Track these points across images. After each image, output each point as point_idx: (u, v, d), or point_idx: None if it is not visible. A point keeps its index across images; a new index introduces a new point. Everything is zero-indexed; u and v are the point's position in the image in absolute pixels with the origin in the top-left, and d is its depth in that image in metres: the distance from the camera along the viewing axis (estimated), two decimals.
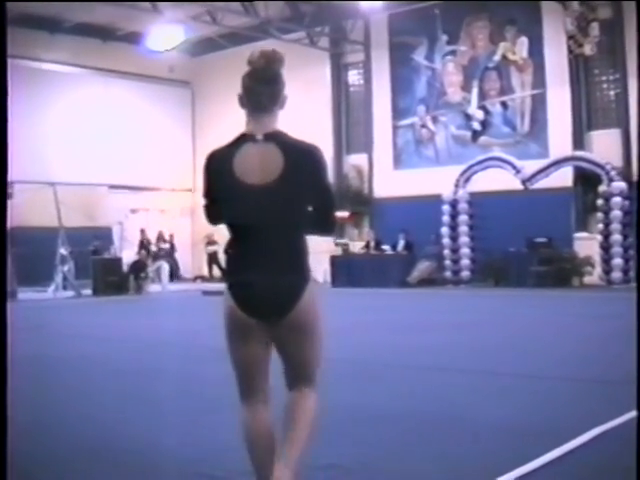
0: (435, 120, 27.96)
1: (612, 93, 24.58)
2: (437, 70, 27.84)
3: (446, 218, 24.58)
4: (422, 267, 24.90)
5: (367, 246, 26.44)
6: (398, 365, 9.13)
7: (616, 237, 21.87)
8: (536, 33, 25.54)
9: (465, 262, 24.43)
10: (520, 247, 23.03)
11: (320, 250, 26.64)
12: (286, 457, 3.56)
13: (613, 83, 24.44)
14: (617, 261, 21.87)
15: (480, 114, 26.84)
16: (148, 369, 9.16)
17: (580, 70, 24.55)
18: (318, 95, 29.91)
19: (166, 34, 26.90)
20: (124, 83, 31.33)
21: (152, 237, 29.80)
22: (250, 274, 3.54)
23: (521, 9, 25.68)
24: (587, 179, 23.46)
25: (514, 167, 23.63)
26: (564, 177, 23.81)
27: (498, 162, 24.13)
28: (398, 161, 28.81)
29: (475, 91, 26.97)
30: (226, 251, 3.71)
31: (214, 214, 3.76)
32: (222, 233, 3.78)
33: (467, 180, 24.51)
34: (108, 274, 24.22)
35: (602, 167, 22.34)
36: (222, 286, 3.80)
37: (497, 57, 26.54)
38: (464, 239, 24.45)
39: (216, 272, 27.94)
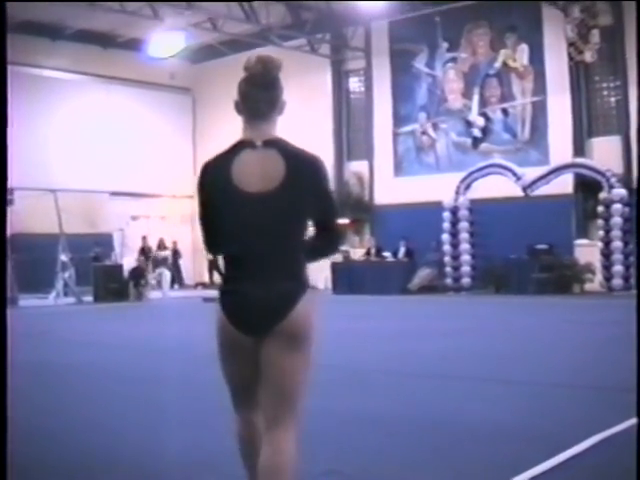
0: (436, 127, 27.98)
1: (612, 100, 24.60)
2: (438, 77, 27.86)
3: (447, 225, 24.58)
4: (423, 274, 24.89)
5: (368, 253, 26.43)
6: (397, 372, 9.13)
7: (617, 244, 21.87)
8: (537, 40, 25.57)
9: (466, 269, 24.42)
10: (521, 254, 23.03)
11: None
12: None
13: (613, 90, 24.46)
14: (618, 268, 21.86)
15: (481, 121, 26.86)
16: (149, 375, 9.16)
17: (580, 77, 24.57)
18: (319, 102, 29.95)
19: (167, 41, 26.91)
20: (125, 90, 31.36)
21: (153, 244, 29.79)
22: (245, 285, 3.39)
23: (521, 16, 25.72)
24: (587, 186, 23.45)
25: (515, 174, 23.63)
26: (564, 184, 23.82)
27: (499, 169, 24.14)
28: (399, 168, 28.81)
29: (476, 98, 26.99)
30: (212, 265, 3.60)
31: (212, 241, 3.59)
32: None
33: (468, 187, 24.51)
34: (109, 281, 24.22)
35: (602, 174, 22.34)
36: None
37: (498, 64, 26.56)
38: (465, 246, 24.44)
39: (217, 278, 27.88)
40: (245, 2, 26.37)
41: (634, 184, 21.65)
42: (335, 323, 15.86)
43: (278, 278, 3.38)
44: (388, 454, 5.37)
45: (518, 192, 23.63)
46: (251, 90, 3.48)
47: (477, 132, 26.95)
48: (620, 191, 21.99)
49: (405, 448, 5.56)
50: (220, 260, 3.56)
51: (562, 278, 22.54)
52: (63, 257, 23.91)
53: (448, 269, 24.60)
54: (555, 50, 24.82)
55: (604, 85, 24.78)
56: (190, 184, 31.47)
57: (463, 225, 24.45)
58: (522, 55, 26.00)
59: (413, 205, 26.42)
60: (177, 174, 31.69)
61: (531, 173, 23.50)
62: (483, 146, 26.74)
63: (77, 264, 24.02)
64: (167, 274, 27.54)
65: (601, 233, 22.37)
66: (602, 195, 22.32)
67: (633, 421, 5.24)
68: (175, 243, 30.81)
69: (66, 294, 23.94)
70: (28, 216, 25.78)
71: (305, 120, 26.70)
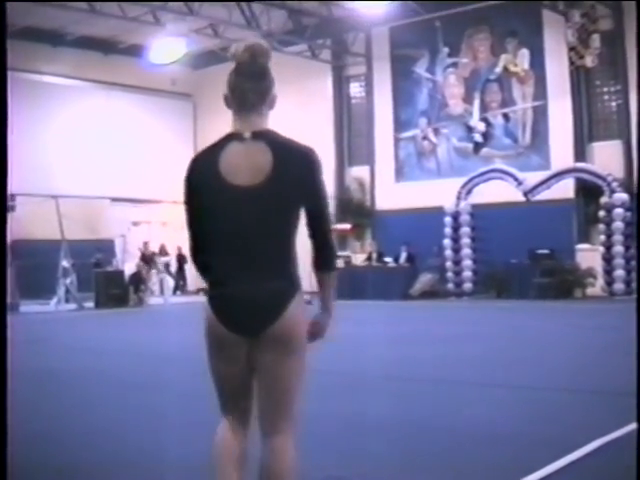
0: (437, 132, 27.98)
1: (613, 104, 24.61)
2: (438, 82, 27.88)
3: (448, 230, 24.58)
4: (424, 279, 24.87)
5: (369, 258, 26.40)
6: (399, 377, 9.12)
7: (618, 248, 21.86)
8: (537, 45, 25.58)
9: (467, 274, 24.42)
10: (522, 259, 23.03)
11: None
12: None
13: (614, 94, 24.47)
14: (619, 272, 21.85)
15: (482, 126, 26.87)
16: (150, 381, 9.16)
17: (581, 82, 24.58)
18: (320, 107, 29.98)
19: (168, 47, 26.94)
20: (126, 96, 31.38)
21: (155, 250, 29.78)
22: (233, 283, 3.28)
23: (522, 21, 25.73)
24: (589, 190, 23.45)
25: (516, 179, 23.64)
26: (566, 189, 23.83)
27: (500, 174, 24.15)
28: (400, 173, 28.82)
29: (476, 103, 27.00)
30: (197, 259, 3.47)
31: (198, 245, 3.46)
32: None
33: (469, 192, 24.52)
34: (110, 287, 24.21)
35: (603, 179, 22.34)
36: None
37: (498, 69, 26.58)
38: (466, 251, 24.45)
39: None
40: (246, 7, 26.39)
41: (635, 188, 21.66)
42: (336, 328, 15.86)
43: (266, 276, 3.28)
44: (389, 459, 5.37)
45: (519, 197, 23.63)
46: (239, 80, 3.37)
47: (478, 137, 26.96)
48: (621, 195, 21.98)
49: (406, 453, 5.56)
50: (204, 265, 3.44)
51: (563, 283, 22.53)
52: (64, 263, 23.90)
53: (449, 274, 24.60)
54: (556, 55, 24.83)
55: (605, 90, 24.79)
56: None
57: (464, 230, 24.46)
58: (523, 60, 26.01)
59: (414, 210, 26.41)
60: (178, 180, 31.55)
61: (532, 178, 23.50)
62: (484, 151, 26.75)
63: (78, 270, 24.00)
64: (169, 280, 27.53)
65: (602, 238, 22.36)
66: (603, 200, 22.32)
67: (633, 426, 5.24)
68: (180, 248, 30.80)
69: (67, 300, 23.92)
70: (29, 222, 25.78)
71: (306, 125, 26.70)
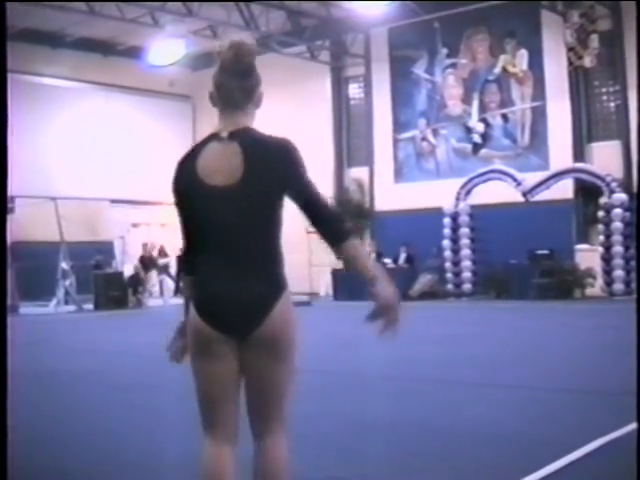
0: (436, 133, 27.99)
1: (612, 105, 24.61)
2: (437, 83, 27.88)
3: (447, 231, 24.59)
4: (424, 280, 24.86)
5: None
6: (397, 377, 9.13)
7: (617, 249, 21.87)
8: (536, 45, 25.59)
9: (467, 275, 24.43)
10: (521, 259, 23.03)
11: (321, 264, 26.76)
12: None
13: (613, 95, 24.48)
14: (618, 273, 21.85)
15: (480, 127, 26.88)
16: (150, 381, 9.15)
17: (580, 82, 24.58)
18: (319, 108, 29.97)
19: (167, 48, 26.95)
20: (125, 97, 31.38)
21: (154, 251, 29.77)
22: (216, 283, 3.23)
23: (521, 21, 25.74)
24: (588, 191, 23.46)
25: (515, 179, 23.65)
26: (565, 189, 23.83)
27: (499, 174, 24.16)
28: (399, 174, 28.82)
29: (475, 104, 27.01)
30: (185, 260, 3.41)
31: (187, 244, 3.40)
32: None
33: (468, 193, 24.53)
34: (110, 288, 24.23)
35: (602, 179, 22.35)
36: None
37: (497, 70, 26.58)
38: (465, 252, 24.46)
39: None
40: (245, 9, 26.39)
41: (634, 189, 21.67)
42: (335, 329, 15.88)
43: (250, 277, 3.22)
44: (388, 459, 5.37)
45: (518, 197, 23.64)
46: (223, 78, 3.35)
47: (477, 138, 26.96)
48: (620, 196, 21.99)
49: (405, 453, 5.56)
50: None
51: (563, 283, 22.54)
52: (64, 265, 23.92)
53: (449, 275, 24.61)
54: (554, 55, 24.83)
55: (603, 90, 24.80)
56: None
57: (464, 231, 24.46)
58: (521, 60, 26.01)
59: (413, 211, 26.41)
60: None
61: (531, 178, 23.51)
62: (483, 152, 26.76)
63: (78, 272, 24.02)
64: (168, 281, 27.52)
65: (602, 238, 22.36)
66: (602, 200, 22.33)
67: (633, 425, 5.24)
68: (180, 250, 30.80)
69: (67, 302, 23.94)
70: (29, 224, 25.78)
71: (305, 126, 26.74)
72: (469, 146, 27.16)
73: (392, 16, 26.58)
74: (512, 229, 23.53)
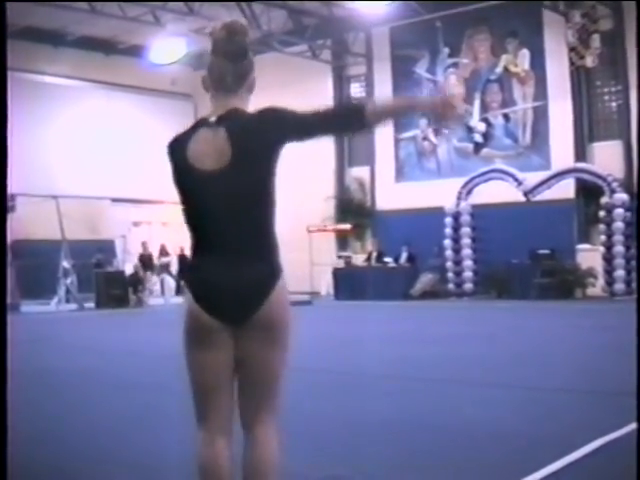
0: (437, 132, 27.97)
1: (614, 105, 24.61)
2: (439, 83, 27.87)
3: (448, 230, 24.59)
4: (425, 279, 24.87)
5: (369, 258, 26.37)
6: (398, 376, 9.13)
7: (618, 248, 21.86)
8: (537, 45, 25.58)
9: (468, 274, 24.42)
10: (523, 259, 23.02)
11: (323, 263, 26.77)
12: None
13: (615, 95, 24.48)
14: (619, 273, 21.85)
15: (482, 126, 26.87)
16: (152, 381, 9.16)
17: (581, 82, 24.59)
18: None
19: (168, 47, 26.95)
20: (126, 96, 31.37)
21: (155, 250, 29.76)
22: (211, 268, 3.18)
23: (522, 21, 25.73)
24: (589, 191, 23.46)
25: (516, 179, 23.64)
26: (566, 189, 23.82)
27: (500, 174, 24.15)
28: (400, 173, 28.82)
29: (477, 103, 27.00)
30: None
31: (187, 222, 3.36)
32: None
33: (469, 192, 24.52)
34: (111, 287, 24.23)
35: (604, 179, 22.34)
36: None
37: (499, 69, 26.58)
38: (467, 251, 24.45)
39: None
40: (247, 7, 26.39)
41: (635, 189, 21.66)
42: (336, 328, 15.89)
43: (245, 261, 3.17)
44: (388, 458, 5.37)
45: (520, 197, 23.64)
46: (216, 60, 3.32)
47: (478, 137, 26.96)
48: (622, 196, 21.99)
49: (405, 452, 5.56)
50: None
51: (564, 283, 22.53)
52: (65, 263, 23.92)
53: (450, 274, 24.60)
54: (556, 55, 24.82)
55: (605, 90, 24.80)
56: None
57: (465, 230, 24.46)
58: (523, 60, 26.01)
59: (415, 210, 26.41)
60: None
61: (532, 178, 23.50)
62: (484, 151, 26.75)
63: (79, 270, 24.03)
64: (170, 280, 27.52)
65: (603, 238, 22.36)
66: (604, 200, 22.32)
67: (633, 425, 5.24)
68: (182, 249, 30.75)
69: (68, 300, 23.95)
70: (30, 222, 25.79)
71: None
72: (470, 146, 27.15)
73: (394, 15, 26.59)
74: (513, 229, 23.52)
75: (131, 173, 30.33)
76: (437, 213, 24.56)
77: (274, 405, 3.32)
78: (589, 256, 23.12)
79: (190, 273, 3.32)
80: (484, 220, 23.54)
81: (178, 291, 29.13)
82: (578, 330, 14.17)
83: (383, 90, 28.82)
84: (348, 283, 25.67)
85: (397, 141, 28.77)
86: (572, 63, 24.18)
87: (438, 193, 25.38)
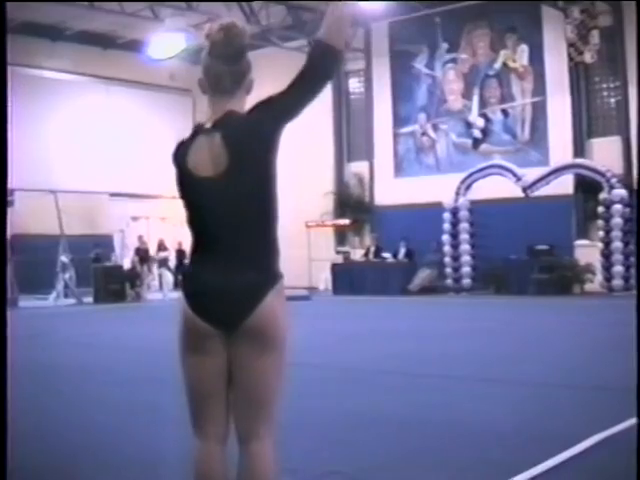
0: (436, 128, 27.98)
1: (612, 101, 24.59)
2: (438, 78, 27.86)
3: (447, 226, 24.61)
4: (423, 275, 24.88)
5: (367, 253, 26.37)
6: (398, 372, 9.13)
7: (617, 244, 21.87)
8: (536, 41, 25.57)
9: (466, 270, 24.44)
10: (521, 255, 23.03)
11: (321, 258, 26.78)
12: None
13: (613, 91, 24.45)
14: (618, 268, 21.86)
15: (481, 122, 26.86)
16: (150, 376, 9.16)
17: (580, 78, 24.57)
18: (319, 103, 29.53)
19: (167, 42, 26.89)
20: (125, 91, 31.35)
21: (153, 245, 29.74)
22: (207, 275, 3.14)
23: (521, 17, 25.72)
24: (588, 186, 23.46)
25: (515, 175, 23.64)
26: (565, 184, 23.82)
27: (499, 170, 24.15)
28: (399, 169, 28.82)
29: (476, 99, 27.00)
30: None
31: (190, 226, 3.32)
32: None
33: (468, 188, 24.53)
34: (109, 282, 24.24)
35: (602, 174, 22.35)
36: None
37: (498, 65, 26.56)
38: (465, 247, 24.46)
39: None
40: (245, 3, 26.37)
41: (634, 185, 21.66)
42: (334, 323, 15.89)
43: (238, 267, 3.12)
44: (388, 454, 5.38)
45: (518, 193, 23.64)
46: (213, 62, 3.25)
47: (477, 133, 26.96)
48: (620, 192, 21.99)
49: (405, 448, 5.56)
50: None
51: (562, 279, 22.54)
52: (63, 258, 23.92)
53: (448, 270, 24.62)
54: (555, 51, 24.83)
55: (604, 86, 24.77)
56: None
57: (463, 226, 24.48)
58: (522, 56, 26.00)
59: (413, 206, 26.42)
60: None
61: (531, 174, 23.51)
62: (483, 147, 26.75)
63: (77, 265, 24.03)
64: (168, 275, 27.50)
65: (601, 234, 22.37)
66: (602, 196, 22.32)
67: (633, 421, 5.24)
68: (180, 244, 30.74)
69: (66, 295, 23.95)
70: (28, 217, 25.78)
71: (305, 121, 26.57)
72: (469, 141, 27.15)
73: (393, 10, 26.58)
74: (512, 224, 23.53)
75: (130, 168, 30.34)
76: (436, 208, 24.57)
77: (270, 419, 3.20)
78: (587, 252, 23.13)
79: (185, 276, 3.30)
80: (482, 216, 23.56)
81: (176, 286, 29.15)
82: (576, 326, 14.18)
83: (382, 85, 28.84)
84: (346, 278, 25.68)
85: (396, 136, 28.77)
86: (571, 59, 24.18)
87: (437, 188, 25.39)
